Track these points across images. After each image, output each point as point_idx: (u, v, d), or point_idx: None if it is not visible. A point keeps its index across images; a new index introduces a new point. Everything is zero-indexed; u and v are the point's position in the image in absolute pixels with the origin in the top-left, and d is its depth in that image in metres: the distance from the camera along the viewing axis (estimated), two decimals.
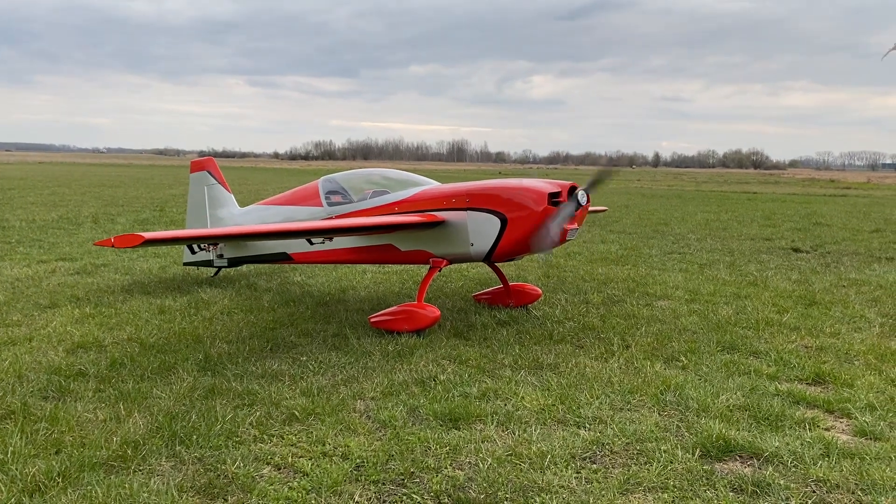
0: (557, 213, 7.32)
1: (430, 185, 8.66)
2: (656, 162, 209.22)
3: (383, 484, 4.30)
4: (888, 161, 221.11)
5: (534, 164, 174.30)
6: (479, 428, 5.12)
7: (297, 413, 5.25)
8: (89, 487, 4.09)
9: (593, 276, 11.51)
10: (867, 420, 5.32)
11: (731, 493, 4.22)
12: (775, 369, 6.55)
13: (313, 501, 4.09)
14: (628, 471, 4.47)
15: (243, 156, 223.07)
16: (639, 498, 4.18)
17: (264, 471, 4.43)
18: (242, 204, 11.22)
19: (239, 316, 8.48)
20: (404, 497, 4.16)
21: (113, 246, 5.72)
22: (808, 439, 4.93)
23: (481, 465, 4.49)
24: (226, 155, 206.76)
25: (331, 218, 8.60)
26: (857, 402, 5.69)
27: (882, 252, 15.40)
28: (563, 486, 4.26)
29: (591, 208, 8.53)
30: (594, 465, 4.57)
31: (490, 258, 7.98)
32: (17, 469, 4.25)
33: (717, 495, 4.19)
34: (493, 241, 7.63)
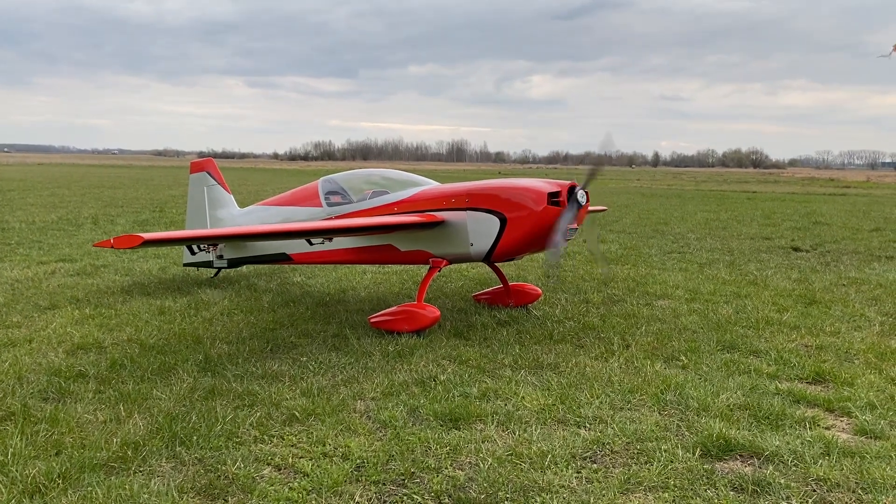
0: (559, 223, 7.26)
1: (430, 186, 8.66)
2: (656, 161, 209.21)
3: (384, 484, 4.30)
4: (888, 160, 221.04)
5: (533, 164, 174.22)
6: (479, 428, 5.12)
7: (297, 413, 5.25)
8: (89, 489, 4.09)
9: (593, 276, 11.52)
10: (867, 419, 5.32)
11: (731, 493, 4.22)
12: (775, 368, 6.55)
13: (314, 502, 4.08)
14: (629, 470, 4.47)
15: (243, 156, 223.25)
16: (639, 497, 4.18)
17: (265, 471, 4.43)
18: (242, 204, 11.22)
19: (239, 317, 8.48)
20: (405, 497, 4.16)
21: (112, 247, 5.73)
22: (808, 438, 4.93)
23: (482, 465, 4.49)
24: (225, 156, 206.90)
25: (330, 218, 8.60)
26: (858, 400, 5.69)
27: (882, 251, 15.41)
28: (563, 486, 4.26)
29: (590, 208, 8.53)
30: (595, 465, 4.57)
31: (490, 258, 7.97)
32: (17, 470, 4.25)
33: (717, 494, 4.19)
34: (492, 241, 7.63)
